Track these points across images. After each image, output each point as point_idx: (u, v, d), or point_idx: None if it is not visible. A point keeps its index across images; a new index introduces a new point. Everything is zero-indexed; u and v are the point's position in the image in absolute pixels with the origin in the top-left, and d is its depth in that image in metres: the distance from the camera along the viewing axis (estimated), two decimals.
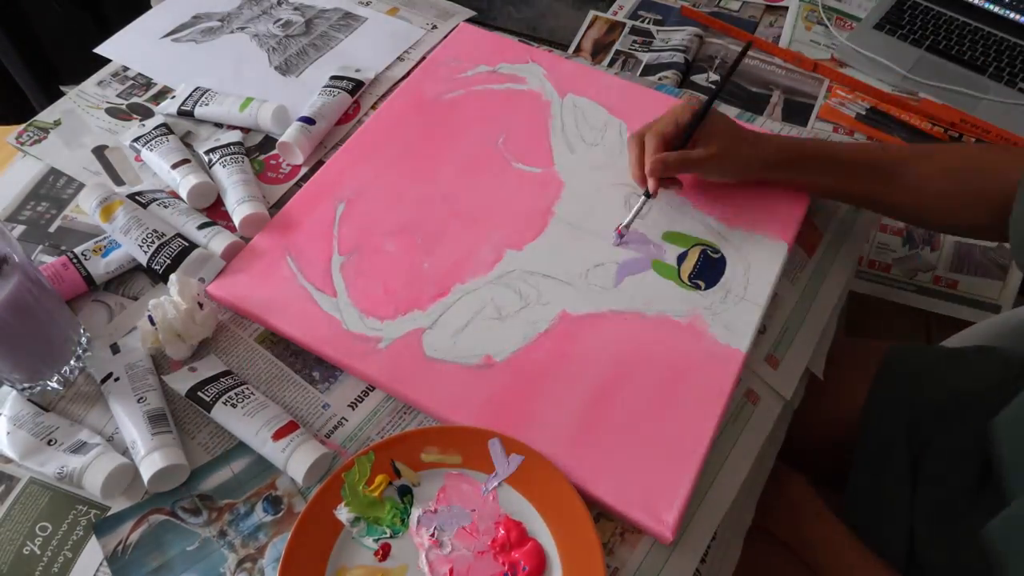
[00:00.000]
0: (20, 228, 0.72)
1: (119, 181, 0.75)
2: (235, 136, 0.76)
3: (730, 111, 0.82)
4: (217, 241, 0.67)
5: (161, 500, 0.56)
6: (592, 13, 1.18)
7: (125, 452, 0.57)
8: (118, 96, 0.83)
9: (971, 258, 0.98)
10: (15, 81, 1.28)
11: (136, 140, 0.75)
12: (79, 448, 0.56)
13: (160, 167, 0.73)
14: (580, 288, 0.65)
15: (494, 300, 0.64)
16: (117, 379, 0.59)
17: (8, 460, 0.57)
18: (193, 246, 0.65)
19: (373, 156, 0.74)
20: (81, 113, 0.81)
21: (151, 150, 0.73)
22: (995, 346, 0.77)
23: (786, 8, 1.15)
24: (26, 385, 0.59)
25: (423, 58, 0.86)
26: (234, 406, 0.57)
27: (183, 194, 0.70)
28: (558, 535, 0.53)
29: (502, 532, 0.54)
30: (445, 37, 0.87)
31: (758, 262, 0.67)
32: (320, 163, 0.76)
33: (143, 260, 0.65)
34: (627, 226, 0.67)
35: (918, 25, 1.09)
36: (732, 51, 1.09)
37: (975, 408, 0.65)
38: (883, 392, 0.74)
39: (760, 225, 0.69)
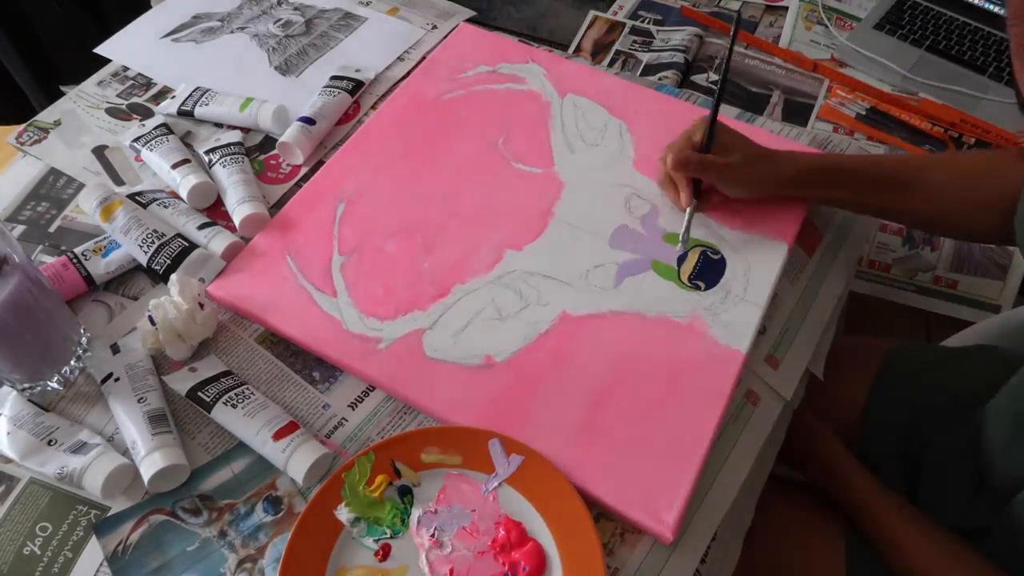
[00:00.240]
0: (20, 228, 0.72)
1: (119, 181, 0.75)
2: (235, 136, 0.76)
3: (730, 111, 0.82)
4: (217, 241, 0.67)
5: (161, 500, 0.56)
6: (592, 13, 1.18)
7: (125, 452, 0.57)
8: (118, 96, 0.83)
9: (971, 258, 0.98)
10: (15, 81, 1.28)
11: (136, 140, 0.75)
12: (79, 448, 0.56)
13: (160, 167, 0.73)
14: (580, 288, 0.65)
15: (494, 300, 0.64)
16: (117, 379, 0.59)
17: (8, 460, 0.57)
18: (193, 246, 0.65)
19: (373, 156, 0.74)
20: (81, 113, 0.81)
21: (151, 150, 0.73)
22: (996, 345, 0.77)
23: (786, 8, 1.15)
24: (26, 385, 0.59)
25: (423, 58, 0.86)
26: (234, 406, 0.57)
27: (183, 194, 0.70)
28: (558, 535, 0.53)
29: (502, 532, 0.54)
30: (445, 37, 0.87)
31: (758, 263, 0.67)
32: (320, 163, 0.76)
33: (143, 260, 0.65)
34: (686, 236, 0.66)
35: (918, 25, 1.09)
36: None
37: (975, 408, 0.65)
38: (883, 392, 0.74)
39: (760, 226, 0.69)
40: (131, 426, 0.57)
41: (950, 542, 0.59)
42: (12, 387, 0.59)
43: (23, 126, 0.79)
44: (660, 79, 1.03)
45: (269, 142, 0.78)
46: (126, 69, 0.85)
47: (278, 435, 0.56)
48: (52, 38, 1.25)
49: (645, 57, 1.09)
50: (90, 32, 1.13)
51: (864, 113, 1.00)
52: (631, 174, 0.73)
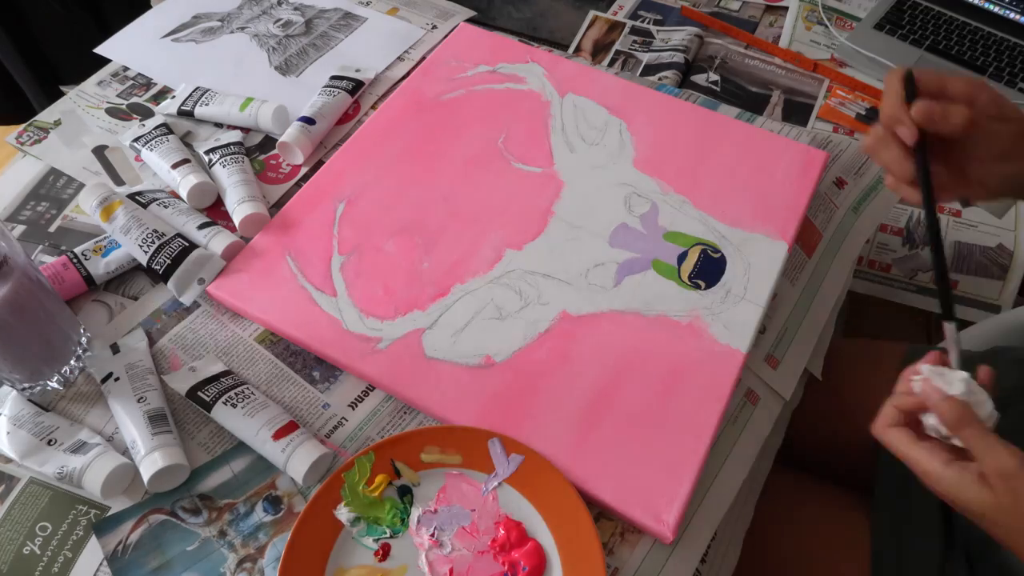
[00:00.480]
0: (20, 228, 0.72)
1: (119, 181, 0.75)
2: (235, 136, 0.76)
3: (730, 111, 0.82)
4: (217, 241, 0.67)
5: (161, 500, 0.56)
6: (592, 13, 1.18)
7: (125, 452, 0.57)
8: (118, 96, 0.83)
9: (971, 258, 0.98)
10: (15, 81, 1.28)
11: (136, 140, 0.75)
12: (79, 448, 0.56)
13: (160, 167, 0.73)
14: (580, 288, 0.65)
15: (494, 300, 0.64)
16: (117, 379, 0.59)
17: (8, 460, 0.57)
18: (193, 246, 0.65)
19: (373, 156, 0.74)
20: (81, 113, 0.81)
21: (151, 150, 0.73)
22: (1011, 346, 0.76)
23: (786, 8, 1.15)
24: (26, 385, 0.59)
25: (423, 58, 0.86)
26: (234, 406, 0.57)
27: (183, 194, 0.70)
28: (558, 535, 0.53)
29: (502, 532, 0.54)
30: (445, 37, 0.87)
31: (758, 262, 0.67)
32: (320, 163, 0.76)
33: (143, 260, 0.65)
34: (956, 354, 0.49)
35: (918, 25, 1.09)
36: (732, 51, 1.09)
37: (1001, 411, 0.64)
38: None
39: (760, 225, 0.69)
40: (131, 426, 0.57)
41: None
42: (12, 387, 0.59)
43: (23, 126, 0.79)
44: (660, 79, 1.03)
45: (269, 142, 0.78)
46: (126, 69, 0.85)
47: (278, 435, 0.56)
48: (52, 38, 1.24)
49: (645, 57, 1.09)
50: (90, 32, 1.13)
51: (864, 113, 1.00)
52: (631, 173, 0.73)
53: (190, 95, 0.79)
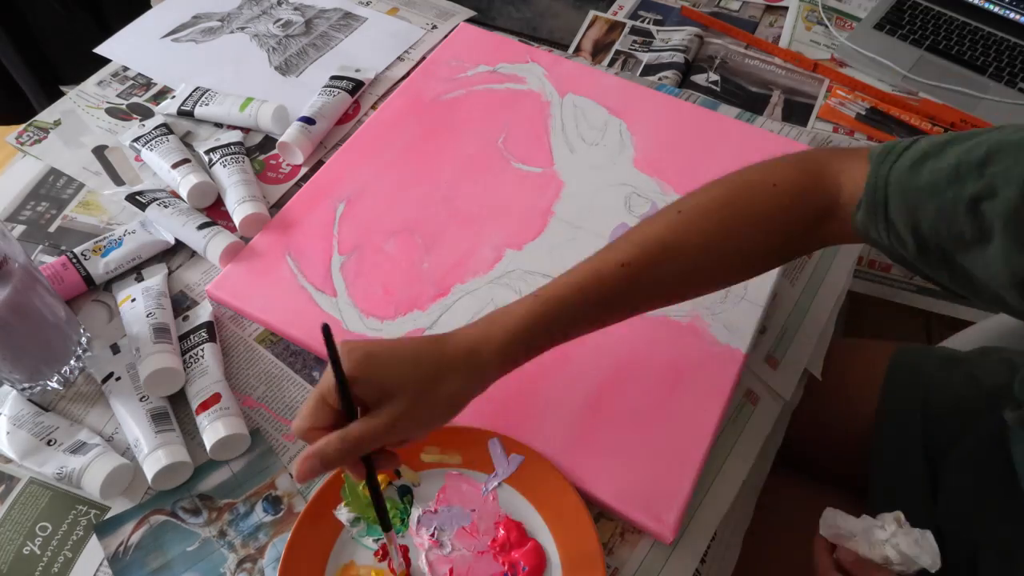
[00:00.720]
0: (20, 228, 0.72)
1: (119, 181, 0.75)
2: (235, 136, 0.76)
3: (730, 111, 0.81)
4: (217, 241, 0.67)
5: (161, 500, 0.56)
6: (592, 13, 1.18)
7: (125, 452, 0.57)
8: (118, 96, 0.83)
9: None
10: (15, 81, 1.28)
11: (136, 140, 0.75)
12: (79, 448, 0.56)
13: (160, 167, 0.73)
14: None
15: (494, 300, 0.64)
16: (119, 378, 0.59)
17: (8, 460, 0.57)
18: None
19: (373, 156, 0.74)
20: (81, 113, 0.81)
21: (151, 150, 0.73)
22: (1002, 347, 0.77)
23: (786, 8, 1.15)
24: (26, 385, 0.59)
25: (423, 58, 0.86)
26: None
27: (183, 194, 0.70)
28: (558, 535, 0.53)
29: (502, 532, 0.54)
30: (445, 37, 0.87)
31: None
32: (320, 163, 0.76)
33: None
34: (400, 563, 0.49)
35: (918, 25, 1.09)
36: (732, 51, 1.09)
37: (990, 412, 0.64)
38: (897, 395, 0.73)
39: None
40: (134, 425, 0.57)
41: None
42: (12, 387, 0.59)
43: (23, 126, 0.79)
44: (660, 79, 1.03)
45: (269, 142, 0.78)
46: (126, 69, 0.85)
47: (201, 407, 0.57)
48: (52, 38, 1.24)
49: (645, 57, 1.09)
50: (90, 32, 1.13)
51: (864, 113, 1.00)
52: (631, 173, 0.73)
53: (190, 95, 0.79)
